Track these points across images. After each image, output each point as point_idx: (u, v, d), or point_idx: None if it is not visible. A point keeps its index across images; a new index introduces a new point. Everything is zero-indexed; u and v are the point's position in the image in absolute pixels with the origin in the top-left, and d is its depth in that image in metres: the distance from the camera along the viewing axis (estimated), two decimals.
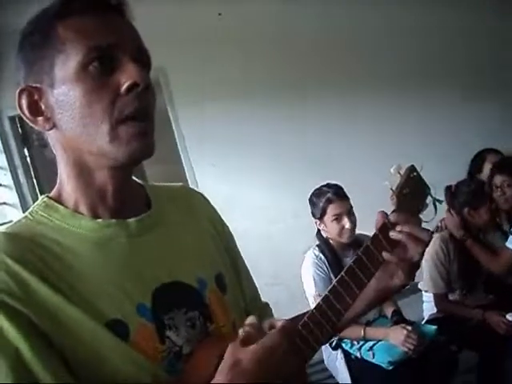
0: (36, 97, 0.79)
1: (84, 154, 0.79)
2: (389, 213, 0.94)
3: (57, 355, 0.70)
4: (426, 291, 2.85)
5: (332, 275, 2.42)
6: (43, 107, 0.79)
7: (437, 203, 0.99)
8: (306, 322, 0.89)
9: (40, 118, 0.80)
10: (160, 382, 0.76)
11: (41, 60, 0.78)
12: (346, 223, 2.40)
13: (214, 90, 3.18)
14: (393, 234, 0.91)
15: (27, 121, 0.81)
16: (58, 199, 0.83)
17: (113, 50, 0.76)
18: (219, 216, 1.05)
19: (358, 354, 2.38)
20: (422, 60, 3.61)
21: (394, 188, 0.96)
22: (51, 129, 0.80)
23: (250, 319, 0.80)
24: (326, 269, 2.43)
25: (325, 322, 0.89)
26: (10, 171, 3.22)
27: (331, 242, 2.50)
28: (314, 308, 0.90)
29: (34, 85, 0.79)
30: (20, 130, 3.29)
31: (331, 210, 2.42)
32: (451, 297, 2.82)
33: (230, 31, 3.27)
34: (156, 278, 0.82)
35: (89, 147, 0.78)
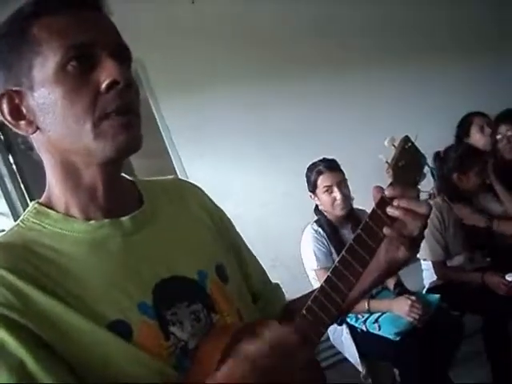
0: (17, 100, 0.77)
1: (71, 154, 0.78)
2: (385, 187, 0.90)
3: (61, 364, 0.69)
4: (424, 260, 2.87)
5: (332, 248, 2.45)
6: (25, 111, 0.77)
7: (434, 172, 0.97)
8: (310, 305, 0.87)
9: (22, 122, 0.78)
10: (168, 380, 0.75)
11: (18, 62, 0.76)
12: (337, 194, 2.44)
13: (194, 79, 3.15)
14: (390, 211, 0.87)
15: (10, 126, 0.79)
16: (49, 204, 0.82)
17: (91, 48, 0.74)
18: (215, 205, 1.03)
19: (364, 328, 2.40)
20: (406, 30, 3.59)
21: (389, 161, 0.93)
22: (34, 132, 0.78)
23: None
24: (325, 242, 2.47)
25: (329, 305, 0.87)
26: None
27: (328, 216, 2.53)
28: (318, 291, 0.88)
29: (13, 88, 0.77)
30: (2, 136, 3.24)
31: (321, 182, 2.48)
32: (449, 263, 2.84)
33: (204, 18, 3.23)
34: (155, 275, 0.81)
35: (75, 147, 0.76)
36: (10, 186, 3.20)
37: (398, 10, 3.59)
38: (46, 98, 0.74)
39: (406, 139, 0.95)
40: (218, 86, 3.20)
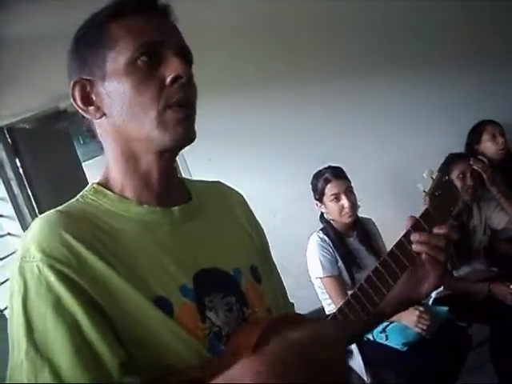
0: (88, 88, 0.87)
1: (132, 140, 0.86)
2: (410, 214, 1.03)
3: (110, 327, 0.74)
4: None
5: (337, 256, 2.45)
6: (94, 98, 0.86)
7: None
8: (342, 308, 0.96)
9: (91, 108, 0.87)
10: (202, 359, 0.80)
11: (94, 56, 0.85)
12: (345, 202, 2.45)
13: (203, 82, 3.13)
14: (414, 246, 1.00)
15: (80, 111, 0.88)
16: (106, 185, 0.90)
17: (159, 47, 0.84)
18: (254, 215, 1.10)
19: (371, 337, 2.39)
20: (412, 37, 3.56)
21: (426, 190, 1.05)
22: (101, 117, 0.87)
23: None
24: (331, 250, 2.47)
25: (361, 310, 0.98)
26: (4, 183, 3.17)
27: (334, 224, 2.52)
28: (350, 295, 0.98)
29: (87, 77, 0.86)
30: (10, 140, 3.25)
31: (329, 190, 2.49)
32: (456, 273, 2.82)
33: (216, 22, 3.22)
34: (197, 263, 0.87)
35: (137, 134, 0.85)
36: (16, 189, 3.20)
37: (407, 16, 3.57)
38: (116, 87, 0.83)
39: (444, 173, 1.10)
40: (225, 89, 3.19)
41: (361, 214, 2.61)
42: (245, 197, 1.13)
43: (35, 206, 3.16)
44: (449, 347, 2.27)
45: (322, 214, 2.59)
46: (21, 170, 3.26)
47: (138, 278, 0.78)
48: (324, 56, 3.42)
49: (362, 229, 2.58)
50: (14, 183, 3.22)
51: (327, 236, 2.51)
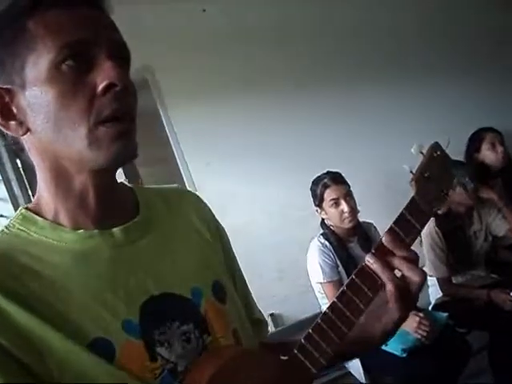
0: (7, 99, 0.72)
1: (62, 159, 0.73)
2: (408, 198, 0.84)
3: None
4: (430, 276, 2.84)
5: (338, 261, 2.44)
6: (15, 110, 0.73)
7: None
8: (310, 333, 0.80)
9: (13, 123, 0.73)
10: None
11: (11, 59, 0.71)
12: (345, 207, 2.44)
13: (204, 87, 3.14)
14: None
15: None
16: (37, 210, 0.77)
17: (88, 47, 0.70)
18: (214, 217, 0.97)
19: None
20: (408, 53, 3.58)
21: (413, 171, 0.86)
22: (25, 133, 0.73)
23: None
24: (332, 255, 2.46)
25: (333, 335, 0.80)
26: (4, 183, 3.17)
27: (335, 229, 2.51)
28: (320, 318, 0.81)
29: (4, 86, 0.72)
30: (11, 140, 3.24)
31: (328, 195, 2.48)
32: (455, 280, 2.81)
33: (215, 27, 3.23)
34: (144, 291, 0.75)
35: (66, 152, 0.72)
36: (17, 190, 3.20)
37: (401, 30, 3.60)
38: (38, 99, 0.70)
39: (435, 146, 0.88)
40: (226, 95, 3.20)
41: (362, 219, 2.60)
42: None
43: None
44: (448, 354, 2.26)
45: (322, 219, 2.58)
46: (22, 171, 3.25)
47: (69, 324, 0.68)
48: (322, 65, 3.44)
49: (363, 234, 2.58)
50: (14, 183, 3.22)
51: (328, 241, 2.50)
